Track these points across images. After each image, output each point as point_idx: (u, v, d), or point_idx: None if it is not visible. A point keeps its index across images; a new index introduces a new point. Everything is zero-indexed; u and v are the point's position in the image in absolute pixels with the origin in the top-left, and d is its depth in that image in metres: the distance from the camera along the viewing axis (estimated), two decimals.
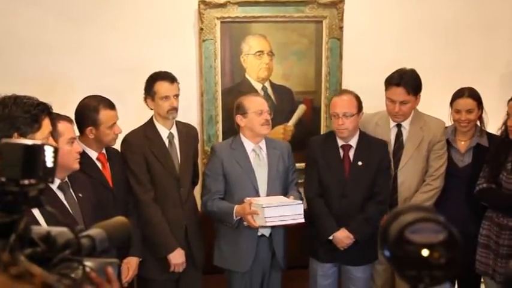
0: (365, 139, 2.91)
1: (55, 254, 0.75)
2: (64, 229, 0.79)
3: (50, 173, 0.76)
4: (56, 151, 0.77)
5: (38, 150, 0.75)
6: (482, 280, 3.02)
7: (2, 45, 3.12)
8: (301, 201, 2.73)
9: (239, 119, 2.84)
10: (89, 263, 0.80)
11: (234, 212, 2.72)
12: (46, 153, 0.75)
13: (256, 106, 2.81)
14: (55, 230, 0.79)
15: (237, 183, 2.80)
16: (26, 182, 0.72)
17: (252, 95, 2.96)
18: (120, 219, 0.96)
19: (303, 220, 2.70)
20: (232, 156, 2.82)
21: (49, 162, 0.76)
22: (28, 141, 0.75)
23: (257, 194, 2.78)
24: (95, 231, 0.88)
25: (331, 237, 2.82)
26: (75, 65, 3.20)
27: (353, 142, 2.88)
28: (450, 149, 3.00)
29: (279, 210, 2.65)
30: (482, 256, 2.83)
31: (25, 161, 0.73)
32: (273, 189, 2.81)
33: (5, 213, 0.71)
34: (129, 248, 2.73)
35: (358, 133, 2.90)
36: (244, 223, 2.73)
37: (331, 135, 2.94)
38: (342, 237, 2.81)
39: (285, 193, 2.86)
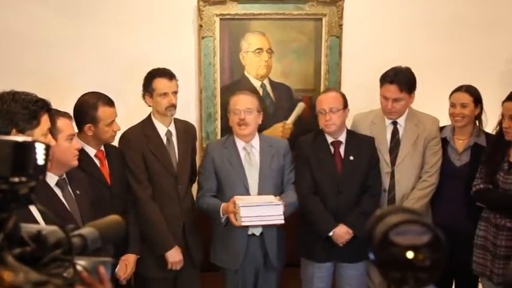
0: (353, 135, 2.94)
1: (45, 253, 0.74)
2: (55, 228, 0.77)
3: (41, 171, 0.75)
4: (47, 148, 0.76)
5: (28, 147, 0.73)
6: (479, 280, 3.01)
7: (2, 41, 3.11)
8: (280, 202, 2.68)
9: (228, 117, 2.88)
10: (81, 262, 0.79)
11: (221, 210, 2.73)
12: (37, 150, 0.74)
13: (233, 105, 2.82)
14: (46, 229, 0.77)
15: (227, 181, 2.80)
16: (16, 179, 0.71)
17: (238, 94, 2.91)
18: (113, 217, 0.95)
19: (282, 221, 2.68)
20: (223, 155, 2.82)
21: (40, 160, 0.74)
22: (18, 138, 0.74)
23: (247, 193, 2.77)
24: (86, 230, 0.86)
25: (331, 234, 2.81)
26: (74, 61, 3.20)
27: (342, 138, 2.90)
28: (447, 148, 2.99)
29: (256, 210, 2.63)
30: (479, 257, 2.81)
31: (15, 158, 0.71)
32: (264, 188, 2.79)
33: None
34: (127, 245, 2.73)
35: (345, 130, 2.92)
36: None
37: (320, 133, 2.94)
38: (342, 232, 2.81)
39: (280, 192, 2.84)
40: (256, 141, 2.87)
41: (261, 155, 2.84)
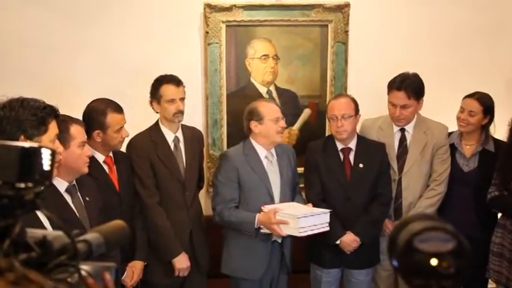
0: (363, 142, 2.91)
1: (51, 259, 0.74)
2: (60, 233, 0.77)
3: (47, 176, 0.75)
4: (53, 154, 0.76)
5: (34, 153, 0.74)
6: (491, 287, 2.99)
7: (9, 47, 3.15)
8: (328, 210, 2.67)
9: (253, 125, 2.75)
10: (85, 268, 0.79)
11: (256, 221, 2.65)
12: (43, 156, 0.74)
13: (272, 113, 2.75)
14: (51, 234, 0.77)
15: (252, 190, 2.74)
16: (22, 185, 0.71)
17: (265, 101, 2.90)
18: (118, 223, 0.95)
19: (328, 228, 2.67)
20: (246, 163, 2.75)
21: (46, 166, 0.74)
22: (25, 144, 0.74)
23: (272, 201, 2.74)
24: (91, 235, 0.86)
25: (338, 242, 2.80)
26: (81, 66, 3.22)
27: (352, 145, 2.88)
28: (455, 154, 2.98)
29: (311, 220, 2.62)
30: (495, 264, 2.79)
31: (21, 164, 0.71)
32: (285, 195, 2.78)
33: None
34: (134, 251, 2.73)
35: (356, 136, 2.90)
36: (262, 231, 2.67)
37: (330, 139, 2.92)
38: (349, 241, 2.80)
39: (293, 197, 2.84)
40: (273, 149, 2.84)
41: (279, 162, 2.82)
